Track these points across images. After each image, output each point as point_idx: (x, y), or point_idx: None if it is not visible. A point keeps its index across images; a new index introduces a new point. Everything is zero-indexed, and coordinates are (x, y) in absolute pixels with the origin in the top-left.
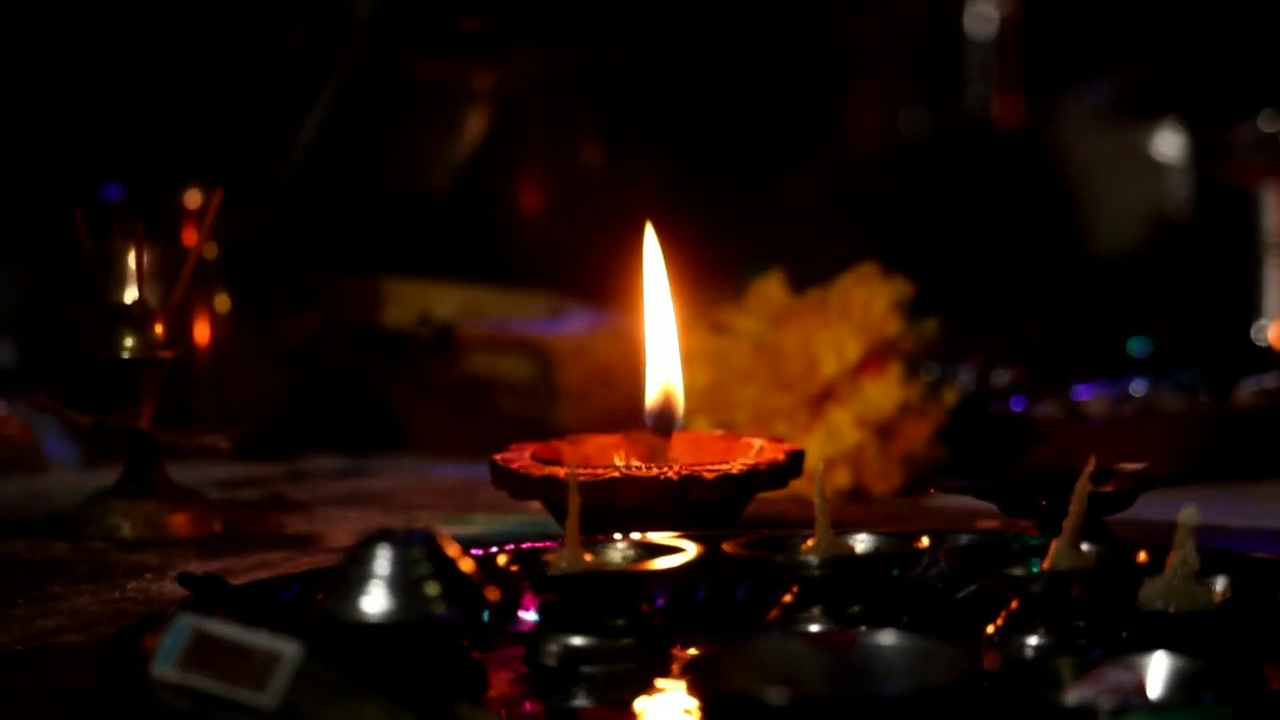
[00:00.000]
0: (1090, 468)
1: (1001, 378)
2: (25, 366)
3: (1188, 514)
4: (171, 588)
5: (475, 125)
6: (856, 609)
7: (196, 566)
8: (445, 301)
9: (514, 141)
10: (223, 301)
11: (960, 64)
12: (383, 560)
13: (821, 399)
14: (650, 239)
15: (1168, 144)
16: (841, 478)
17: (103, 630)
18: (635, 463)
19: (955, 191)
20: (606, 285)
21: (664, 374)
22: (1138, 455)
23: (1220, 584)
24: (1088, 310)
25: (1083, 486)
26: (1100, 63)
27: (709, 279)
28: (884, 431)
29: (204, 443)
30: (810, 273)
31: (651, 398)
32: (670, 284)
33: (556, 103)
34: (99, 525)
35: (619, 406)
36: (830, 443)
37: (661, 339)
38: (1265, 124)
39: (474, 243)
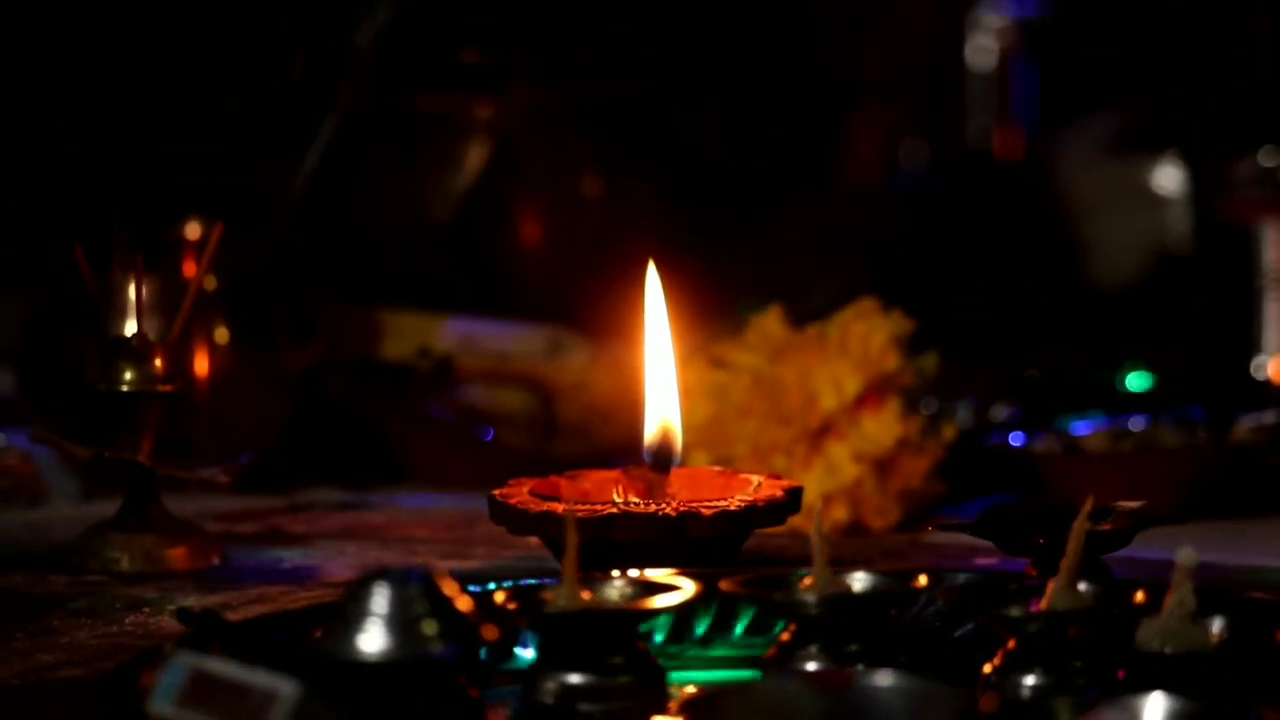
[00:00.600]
0: (1088, 506)
1: (1000, 413)
2: (25, 398)
3: (1185, 555)
4: (170, 622)
5: (475, 158)
6: (854, 648)
7: (195, 601)
8: (445, 334)
9: (514, 174)
10: (222, 334)
11: (961, 97)
12: (380, 598)
13: (820, 434)
14: (650, 273)
15: (1168, 178)
16: (840, 513)
17: (101, 665)
18: (633, 499)
19: (955, 224)
20: (606, 319)
21: (662, 409)
22: (1136, 492)
23: (1217, 625)
24: (1087, 345)
25: (1080, 525)
26: (1101, 96)
27: (708, 313)
28: (882, 467)
29: (203, 478)
30: (809, 307)
31: (650, 433)
32: (669, 318)
33: (556, 136)
34: (98, 558)
35: (617, 441)
36: (829, 478)
37: (660, 373)
38: (1265, 159)
39: (474, 275)
